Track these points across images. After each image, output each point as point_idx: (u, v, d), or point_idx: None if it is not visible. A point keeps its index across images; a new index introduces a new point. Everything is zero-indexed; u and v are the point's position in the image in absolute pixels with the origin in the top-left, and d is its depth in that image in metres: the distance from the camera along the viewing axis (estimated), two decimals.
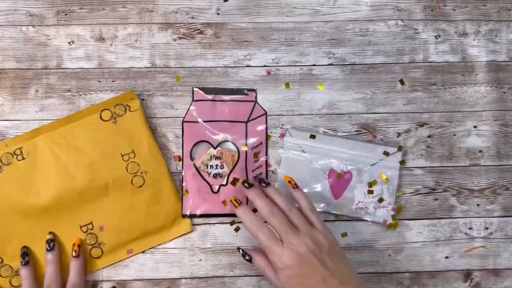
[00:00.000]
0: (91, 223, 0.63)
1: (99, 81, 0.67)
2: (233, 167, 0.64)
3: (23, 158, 0.63)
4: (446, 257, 0.67)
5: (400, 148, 0.67)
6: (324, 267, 0.52)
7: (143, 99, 0.67)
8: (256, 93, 0.66)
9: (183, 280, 0.65)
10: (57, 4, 0.69)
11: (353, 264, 0.66)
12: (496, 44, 0.70)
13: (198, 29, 0.69)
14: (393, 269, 0.66)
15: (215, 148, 0.64)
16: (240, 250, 0.59)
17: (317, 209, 0.65)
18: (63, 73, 0.68)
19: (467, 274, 0.67)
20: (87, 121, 0.65)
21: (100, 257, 0.64)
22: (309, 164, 0.66)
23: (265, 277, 0.56)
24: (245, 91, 0.65)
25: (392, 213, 0.65)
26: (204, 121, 0.64)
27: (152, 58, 0.68)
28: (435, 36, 0.70)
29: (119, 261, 0.65)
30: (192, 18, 0.69)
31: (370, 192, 0.65)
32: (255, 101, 0.65)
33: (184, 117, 0.64)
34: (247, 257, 0.58)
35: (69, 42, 0.68)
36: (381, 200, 0.65)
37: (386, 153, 0.66)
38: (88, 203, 0.63)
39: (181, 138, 0.65)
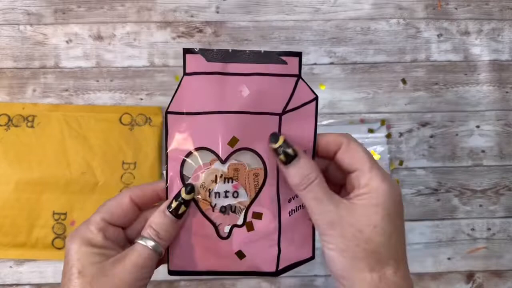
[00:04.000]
0: (65, 213, 0.63)
1: (97, 81, 0.67)
2: (256, 195, 0.37)
3: (32, 127, 0.64)
4: (449, 258, 0.66)
5: (383, 123, 0.66)
6: None
7: (141, 99, 0.67)
8: (300, 60, 0.37)
9: (182, 282, 0.64)
10: (55, 2, 0.68)
11: None
12: (498, 43, 0.70)
13: (198, 28, 0.68)
14: None
15: (223, 161, 0.36)
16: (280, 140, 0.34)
17: None
18: (60, 72, 0.67)
19: (469, 275, 0.66)
20: (107, 117, 0.65)
21: (60, 248, 0.63)
22: None
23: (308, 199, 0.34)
24: (281, 58, 0.36)
25: None
26: (203, 113, 0.35)
27: (151, 57, 0.67)
28: (437, 35, 0.69)
29: None
30: (191, 16, 0.69)
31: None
32: (299, 76, 0.37)
33: (168, 106, 0.36)
34: (289, 150, 0.34)
35: (66, 41, 0.68)
36: None
37: (371, 130, 0.66)
38: (70, 194, 0.63)
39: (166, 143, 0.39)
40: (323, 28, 0.69)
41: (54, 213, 0.63)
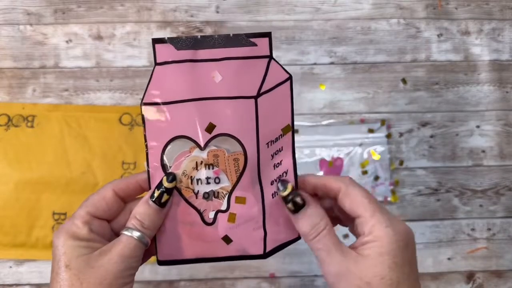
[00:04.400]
0: (65, 214, 0.63)
1: (97, 80, 0.67)
2: (238, 179, 0.37)
3: (32, 127, 0.64)
4: (449, 259, 0.66)
5: (383, 123, 0.66)
6: None
7: (141, 99, 0.66)
8: (270, 40, 0.37)
9: (182, 283, 0.64)
10: (55, 2, 0.68)
11: None
12: (499, 43, 0.70)
13: (198, 27, 0.68)
14: None
15: (203, 148, 0.36)
16: (287, 186, 0.35)
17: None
18: (60, 72, 0.67)
19: (469, 276, 0.66)
20: (106, 117, 0.65)
21: None
22: (298, 159, 0.66)
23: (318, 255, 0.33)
24: (250, 39, 0.36)
25: (390, 187, 0.65)
26: (178, 101, 0.36)
27: (150, 57, 0.67)
28: (438, 35, 0.69)
29: None
30: (191, 16, 0.68)
31: (365, 172, 0.65)
32: (270, 56, 0.37)
33: (142, 97, 0.36)
34: (298, 199, 0.34)
35: (66, 41, 0.68)
36: (377, 178, 0.65)
37: (371, 130, 0.66)
38: (70, 194, 0.63)
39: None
40: (323, 28, 0.69)
41: (54, 213, 0.63)
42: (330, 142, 0.66)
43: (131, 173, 0.64)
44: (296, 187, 0.37)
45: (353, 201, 0.33)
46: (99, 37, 0.68)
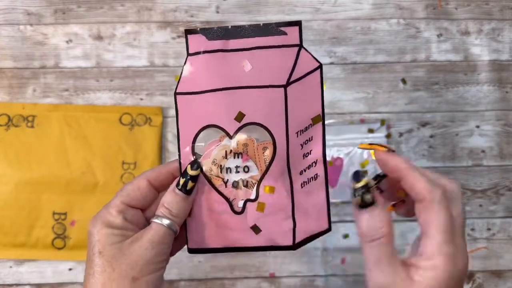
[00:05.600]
0: (65, 213, 0.63)
1: (97, 81, 0.67)
2: (267, 168, 0.36)
3: (32, 127, 0.64)
4: None
5: (383, 123, 0.66)
6: None
7: (141, 99, 0.67)
8: (300, 29, 0.37)
9: (182, 282, 0.64)
10: (55, 2, 0.68)
11: (356, 266, 0.65)
12: (498, 43, 0.70)
13: (198, 28, 0.68)
14: None
15: (232, 137, 0.36)
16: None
17: None
18: (60, 72, 0.67)
19: (469, 276, 0.66)
20: (106, 117, 0.65)
21: (60, 248, 0.63)
22: None
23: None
24: (280, 28, 0.36)
25: None
26: (209, 91, 0.36)
27: (151, 57, 0.67)
28: (437, 35, 0.69)
29: (78, 261, 0.64)
30: (191, 16, 0.69)
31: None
32: (300, 45, 0.37)
33: (176, 87, 0.37)
34: (368, 197, 0.32)
35: (66, 41, 0.68)
36: None
37: (371, 130, 0.66)
38: (71, 194, 0.63)
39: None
40: (323, 28, 0.69)
41: (54, 213, 0.63)
42: (330, 142, 0.66)
43: (131, 173, 0.64)
44: (326, 176, 0.37)
45: (430, 220, 0.30)
46: (99, 37, 0.68)
